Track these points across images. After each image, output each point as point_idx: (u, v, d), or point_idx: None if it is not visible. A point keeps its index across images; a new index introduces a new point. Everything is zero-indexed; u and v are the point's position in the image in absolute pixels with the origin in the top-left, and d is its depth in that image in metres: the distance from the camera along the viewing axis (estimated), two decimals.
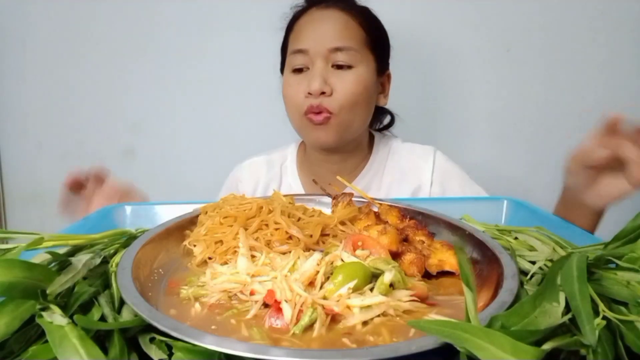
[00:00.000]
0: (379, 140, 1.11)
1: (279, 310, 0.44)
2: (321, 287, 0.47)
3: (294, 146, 1.13)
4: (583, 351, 0.35)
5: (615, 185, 0.71)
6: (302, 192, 1.04)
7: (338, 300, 0.45)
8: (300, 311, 0.43)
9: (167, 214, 0.73)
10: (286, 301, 0.44)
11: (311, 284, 0.48)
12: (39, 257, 0.48)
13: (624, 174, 0.68)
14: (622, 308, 0.39)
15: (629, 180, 0.68)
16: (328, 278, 0.48)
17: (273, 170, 1.10)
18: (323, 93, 0.92)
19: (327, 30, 0.94)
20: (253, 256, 0.56)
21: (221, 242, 0.59)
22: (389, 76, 1.06)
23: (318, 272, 0.48)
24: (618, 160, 0.68)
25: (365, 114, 1.01)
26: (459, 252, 0.42)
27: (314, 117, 0.93)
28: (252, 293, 0.48)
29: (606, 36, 1.38)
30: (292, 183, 1.08)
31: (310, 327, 0.42)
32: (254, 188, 1.09)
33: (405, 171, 1.06)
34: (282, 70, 1.06)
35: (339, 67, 0.94)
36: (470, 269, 0.41)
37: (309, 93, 0.92)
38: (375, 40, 1.00)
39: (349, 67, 0.94)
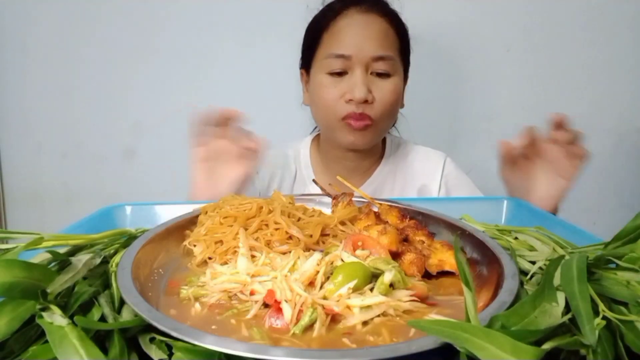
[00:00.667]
0: (391, 141, 1.12)
1: (279, 310, 0.44)
2: (321, 287, 0.47)
3: (307, 141, 1.13)
4: (583, 351, 0.35)
5: (551, 184, 0.80)
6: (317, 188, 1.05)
7: (338, 300, 0.45)
8: (300, 311, 0.43)
9: (167, 214, 0.73)
10: (286, 301, 0.44)
11: (311, 284, 0.48)
12: (39, 257, 0.48)
13: (555, 172, 0.77)
14: (622, 308, 0.39)
15: (561, 176, 0.77)
16: (328, 278, 0.48)
17: (289, 163, 1.10)
18: (365, 101, 0.92)
19: (371, 37, 0.94)
20: (253, 256, 0.56)
21: (221, 242, 0.59)
22: (406, 80, 1.07)
23: (318, 272, 0.48)
24: (545, 162, 0.78)
25: (394, 119, 1.06)
26: (457, 251, 0.42)
27: (354, 123, 0.94)
28: (252, 293, 0.48)
29: (606, 36, 1.38)
30: (306, 178, 1.08)
31: (310, 327, 0.42)
32: (269, 179, 1.09)
33: (416, 174, 1.08)
34: (304, 66, 1.04)
35: (378, 74, 0.94)
36: (468, 269, 0.41)
37: (350, 99, 0.92)
38: (406, 47, 1.01)
39: (387, 75, 0.95)
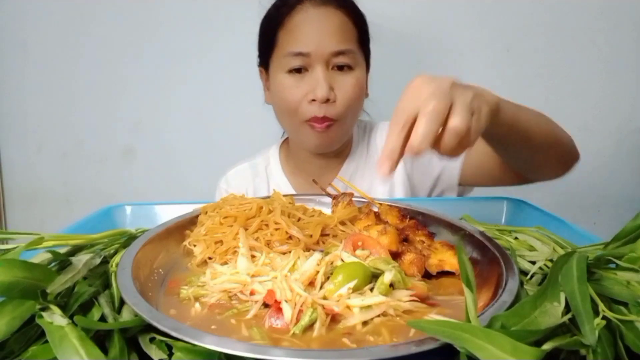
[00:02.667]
0: (357, 127, 1.09)
1: (279, 310, 0.44)
2: (321, 287, 0.47)
3: (275, 147, 1.11)
4: (583, 351, 0.35)
5: None
6: (292, 191, 1.04)
7: (338, 300, 0.45)
8: (301, 311, 0.43)
9: (167, 214, 0.73)
10: (286, 301, 0.44)
11: (311, 284, 0.48)
12: (39, 257, 0.48)
13: None
14: (622, 308, 0.39)
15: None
16: (328, 278, 0.48)
17: (259, 174, 1.08)
18: (327, 100, 0.90)
19: (328, 32, 0.91)
20: (253, 256, 0.56)
21: (221, 242, 0.59)
22: (368, 69, 1.04)
23: (318, 272, 0.48)
24: None
25: (359, 113, 1.02)
26: (460, 252, 0.42)
27: (318, 125, 0.92)
28: (252, 293, 0.48)
29: (606, 36, 1.38)
30: (280, 183, 1.06)
31: (310, 327, 0.42)
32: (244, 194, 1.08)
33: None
34: (262, 64, 1.01)
35: (339, 68, 0.92)
36: (470, 269, 0.41)
37: (313, 100, 0.90)
38: (365, 37, 0.99)
39: (349, 68, 0.93)
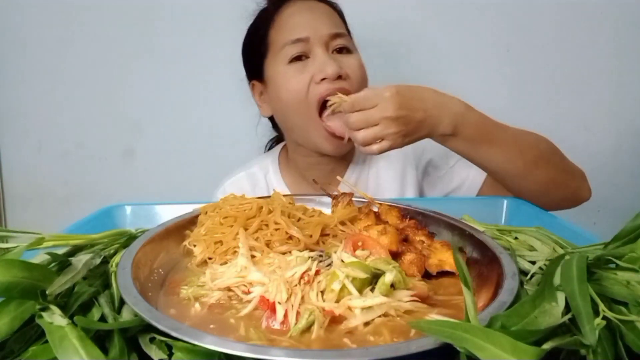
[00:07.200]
0: None
1: (276, 311, 0.44)
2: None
3: (273, 155, 1.08)
4: (583, 351, 0.35)
5: None
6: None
7: (337, 301, 0.45)
8: (298, 313, 0.43)
9: (167, 214, 0.73)
10: (279, 303, 0.44)
11: (308, 282, 0.47)
12: (39, 257, 0.48)
13: None
14: (622, 308, 0.39)
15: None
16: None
17: (258, 183, 1.04)
18: (339, 77, 0.85)
19: (321, 17, 0.90)
20: (253, 256, 0.56)
21: (221, 242, 0.59)
22: None
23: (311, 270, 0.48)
24: None
25: None
26: (456, 251, 0.42)
27: (336, 139, 0.87)
28: (250, 284, 0.48)
29: (607, 36, 1.39)
30: (280, 191, 1.04)
31: (309, 329, 0.42)
32: None
33: (389, 155, 0.93)
34: (254, 76, 0.99)
35: (339, 51, 0.90)
36: (467, 269, 0.41)
37: (323, 79, 0.85)
38: (349, 32, 0.97)
39: (348, 51, 0.91)
